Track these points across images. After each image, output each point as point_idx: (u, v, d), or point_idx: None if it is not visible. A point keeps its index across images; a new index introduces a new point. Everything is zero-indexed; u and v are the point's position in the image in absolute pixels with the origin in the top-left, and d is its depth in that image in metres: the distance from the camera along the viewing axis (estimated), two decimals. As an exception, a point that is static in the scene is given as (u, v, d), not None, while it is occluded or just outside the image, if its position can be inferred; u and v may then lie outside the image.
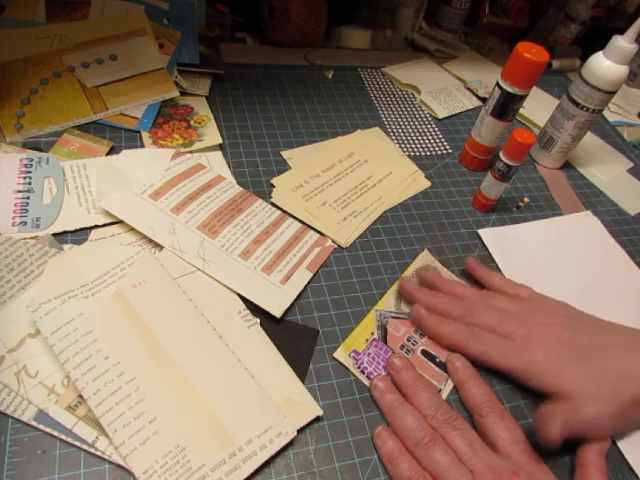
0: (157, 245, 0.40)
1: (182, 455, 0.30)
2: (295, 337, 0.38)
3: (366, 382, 0.37)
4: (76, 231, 0.40)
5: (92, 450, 0.30)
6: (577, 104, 0.54)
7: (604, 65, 0.50)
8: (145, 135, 0.50)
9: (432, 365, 0.38)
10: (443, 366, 0.38)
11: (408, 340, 0.39)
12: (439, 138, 0.60)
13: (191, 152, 0.49)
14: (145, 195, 0.43)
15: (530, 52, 0.47)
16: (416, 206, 0.51)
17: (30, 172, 0.43)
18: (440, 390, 0.37)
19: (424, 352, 0.39)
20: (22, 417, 0.31)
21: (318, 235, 0.45)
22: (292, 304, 0.40)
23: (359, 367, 0.37)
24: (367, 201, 0.50)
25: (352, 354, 0.38)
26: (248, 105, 0.57)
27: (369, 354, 0.38)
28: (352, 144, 0.56)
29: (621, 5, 0.81)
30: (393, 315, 0.41)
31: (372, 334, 0.39)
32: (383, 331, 0.39)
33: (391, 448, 0.33)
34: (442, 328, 0.38)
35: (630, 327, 0.38)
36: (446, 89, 0.68)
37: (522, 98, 0.50)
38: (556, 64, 0.77)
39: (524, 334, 0.37)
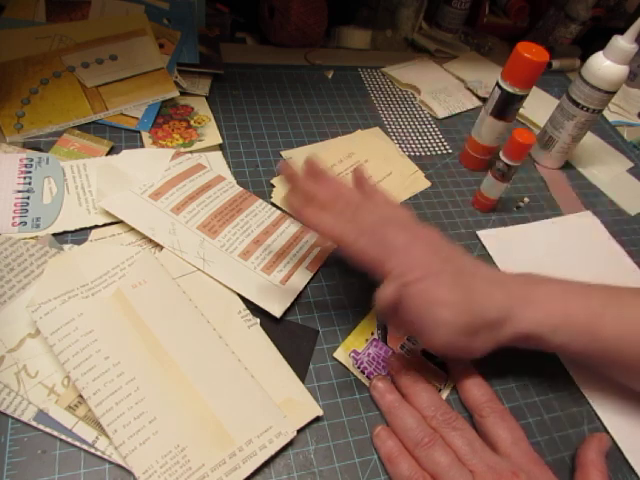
0: (157, 245, 0.40)
1: (182, 455, 0.30)
2: (295, 337, 0.38)
3: (366, 382, 0.37)
4: (76, 231, 0.40)
5: (92, 450, 0.30)
6: (577, 104, 0.54)
7: (604, 65, 0.50)
8: (145, 135, 0.50)
9: (432, 365, 0.38)
10: (443, 366, 0.38)
11: (408, 340, 0.39)
12: (439, 138, 0.60)
13: (191, 152, 0.49)
14: (145, 195, 0.43)
15: (530, 52, 0.47)
16: (416, 206, 0.51)
17: (30, 172, 0.43)
18: (440, 390, 0.37)
19: (424, 352, 0.39)
20: (22, 417, 0.31)
21: (318, 235, 0.45)
22: (292, 304, 0.40)
23: (359, 367, 0.37)
24: (367, 201, 0.50)
25: (352, 354, 0.38)
26: (248, 105, 0.57)
27: (369, 354, 0.38)
28: (352, 144, 0.56)
29: (621, 5, 0.81)
30: None
31: (372, 334, 0.39)
32: (383, 331, 0.39)
33: (390, 448, 0.33)
34: (323, 220, 0.35)
35: (490, 266, 0.38)
36: (446, 89, 0.68)
37: (522, 98, 0.50)
38: (556, 64, 0.77)
39: (406, 243, 0.34)
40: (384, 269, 0.33)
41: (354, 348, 0.38)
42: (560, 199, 0.56)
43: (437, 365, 0.38)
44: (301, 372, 0.36)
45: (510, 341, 0.35)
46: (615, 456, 0.36)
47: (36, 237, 0.39)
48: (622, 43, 0.49)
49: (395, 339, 0.39)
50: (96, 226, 0.41)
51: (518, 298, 0.35)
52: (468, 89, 0.69)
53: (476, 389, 0.36)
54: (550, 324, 0.34)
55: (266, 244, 0.43)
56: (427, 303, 0.33)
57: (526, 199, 0.55)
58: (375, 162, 0.54)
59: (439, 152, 0.58)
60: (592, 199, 0.57)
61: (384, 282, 0.32)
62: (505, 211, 0.53)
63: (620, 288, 0.37)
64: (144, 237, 0.41)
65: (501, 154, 0.47)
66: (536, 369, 0.40)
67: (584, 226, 0.53)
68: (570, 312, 0.35)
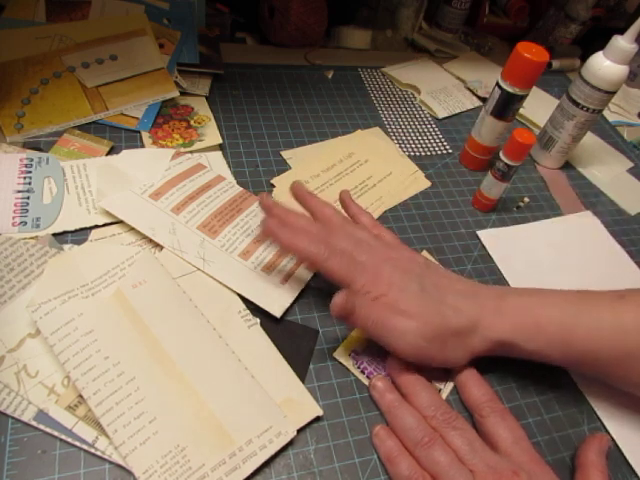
0: (157, 245, 0.40)
1: (182, 455, 0.30)
2: (295, 337, 0.38)
3: (366, 382, 0.37)
4: (76, 231, 0.40)
5: (92, 450, 0.30)
6: (577, 104, 0.54)
7: (604, 65, 0.50)
8: (145, 135, 0.50)
9: None
10: None
11: None
12: (439, 138, 0.60)
13: (191, 152, 0.49)
14: (145, 195, 0.43)
15: (530, 52, 0.47)
16: (416, 206, 0.51)
17: (30, 172, 0.43)
18: (440, 390, 0.37)
19: None
20: (22, 417, 0.31)
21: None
22: (292, 304, 0.40)
23: (359, 367, 0.37)
24: (367, 201, 0.50)
25: (352, 354, 0.38)
26: (248, 105, 0.57)
27: (369, 354, 0.38)
28: (352, 144, 0.56)
29: (621, 5, 0.81)
30: None
31: None
32: None
33: (390, 448, 0.33)
34: (297, 239, 0.36)
35: (471, 280, 0.39)
36: (446, 89, 0.68)
37: (522, 98, 0.50)
38: (556, 64, 0.77)
39: (375, 263, 0.36)
40: (352, 288, 0.35)
41: (354, 348, 0.38)
42: (560, 199, 0.56)
43: None
44: (301, 372, 0.36)
45: (485, 349, 0.36)
46: (615, 456, 0.36)
47: (36, 237, 0.39)
48: (622, 43, 0.49)
49: None
50: (96, 226, 0.41)
51: (488, 309, 0.36)
52: (468, 89, 0.69)
53: (476, 389, 0.36)
54: (521, 333, 0.35)
55: (266, 244, 0.43)
56: (391, 315, 0.34)
57: (526, 199, 0.55)
58: (375, 162, 0.54)
59: (439, 152, 0.58)
60: (592, 199, 0.57)
61: (338, 292, 0.33)
62: (505, 211, 0.53)
63: (597, 293, 0.37)
64: (144, 237, 0.41)
65: (501, 154, 0.47)
66: (536, 369, 0.40)
67: (584, 226, 0.53)
68: (542, 323, 0.35)
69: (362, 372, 0.37)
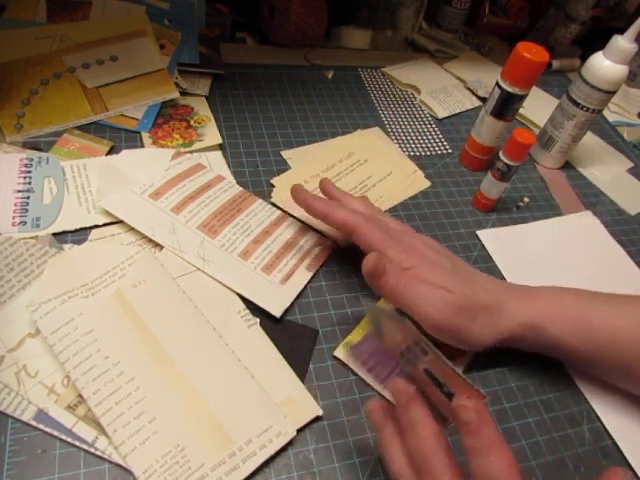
0: (157, 245, 0.40)
1: (182, 455, 0.30)
2: (295, 337, 0.38)
3: (366, 377, 0.36)
4: (76, 231, 0.40)
5: (92, 450, 0.30)
6: (577, 104, 0.54)
7: (604, 65, 0.50)
8: (145, 135, 0.50)
9: (437, 390, 0.30)
10: (450, 396, 0.29)
11: (408, 350, 0.33)
12: (439, 138, 0.60)
13: (191, 152, 0.49)
14: (145, 195, 0.43)
15: (530, 52, 0.47)
16: (416, 206, 0.51)
17: (30, 172, 0.43)
18: (447, 420, 0.30)
19: (427, 372, 0.31)
20: (22, 417, 0.31)
21: (318, 235, 0.45)
22: (292, 304, 0.40)
23: (359, 359, 0.36)
24: (367, 201, 0.50)
25: (351, 348, 0.37)
26: (248, 105, 0.57)
27: (369, 348, 0.36)
28: (352, 144, 0.56)
29: (621, 5, 0.81)
30: (388, 316, 0.35)
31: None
32: (377, 328, 0.35)
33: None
34: (334, 209, 0.38)
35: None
36: (446, 89, 0.68)
37: (522, 98, 0.50)
38: (556, 64, 0.77)
39: (408, 239, 0.38)
40: (385, 256, 0.35)
41: (352, 344, 0.37)
42: (560, 199, 0.56)
43: (443, 394, 0.30)
44: (301, 372, 0.36)
45: (509, 332, 0.36)
46: (615, 456, 0.36)
47: (36, 237, 0.39)
48: (622, 43, 0.49)
49: (392, 344, 0.34)
50: (96, 226, 0.41)
51: (515, 293, 0.37)
52: (468, 89, 0.69)
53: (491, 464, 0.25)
54: (547, 315, 0.36)
55: (266, 244, 0.43)
56: (423, 284, 0.34)
57: (526, 199, 0.55)
58: (375, 162, 0.54)
59: (439, 152, 0.58)
60: (592, 199, 0.57)
61: (371, 253, 0.34)
62: (505, 211, 0.53)
63: (607, 293, 0.39)
64: (144, 237, 0.41)
65: (501, 154, 0.47)
66: (536, 369, 0.40)
67: (584, 226, 0.53)
68: (565, 305, 0.37)
69: (363, 365, 0.36)
